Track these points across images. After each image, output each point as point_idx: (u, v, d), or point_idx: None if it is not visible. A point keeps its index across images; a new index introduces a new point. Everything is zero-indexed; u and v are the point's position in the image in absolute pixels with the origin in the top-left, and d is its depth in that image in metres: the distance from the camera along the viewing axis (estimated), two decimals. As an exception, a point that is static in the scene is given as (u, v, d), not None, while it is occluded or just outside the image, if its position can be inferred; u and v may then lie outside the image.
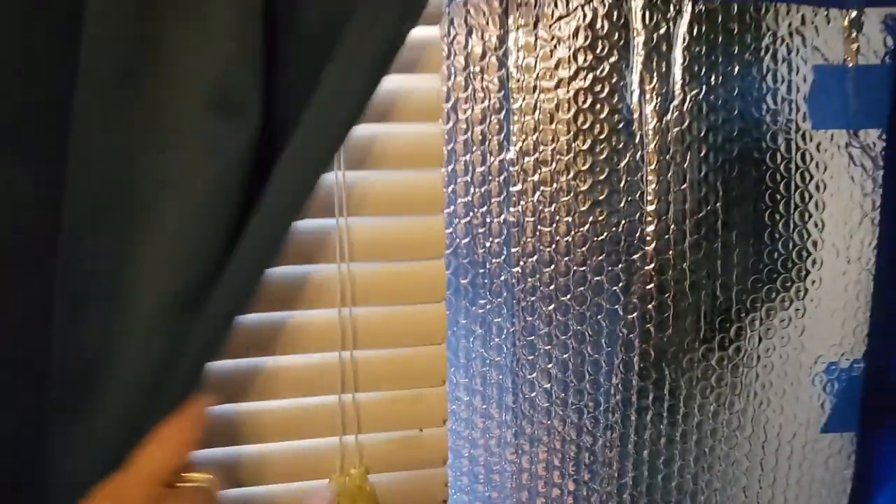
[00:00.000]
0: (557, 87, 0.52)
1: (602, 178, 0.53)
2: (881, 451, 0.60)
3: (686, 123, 0.54)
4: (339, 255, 0.46)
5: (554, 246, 0.53)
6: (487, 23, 0.51)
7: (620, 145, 0.53)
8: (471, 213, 0.52)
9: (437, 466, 0.51)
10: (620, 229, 0.54)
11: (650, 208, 0.54)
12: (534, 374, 0.55)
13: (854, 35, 0.55)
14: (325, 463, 0.49)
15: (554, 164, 0.53)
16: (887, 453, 0.59)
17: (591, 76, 0.52)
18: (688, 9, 0.53)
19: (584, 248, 0.54)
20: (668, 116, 0.53)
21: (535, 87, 0.52)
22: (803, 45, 0.55)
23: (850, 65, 0.55)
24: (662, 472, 0.58)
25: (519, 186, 0.53)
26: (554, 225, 0.53)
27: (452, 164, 0.52)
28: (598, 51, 0.52)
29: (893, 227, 0.57)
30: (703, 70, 0.54)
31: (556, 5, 0.52)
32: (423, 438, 0.51)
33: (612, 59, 0.52)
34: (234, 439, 0.48)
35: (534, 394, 0.55)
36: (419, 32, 0.45)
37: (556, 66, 0.52)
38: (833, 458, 0.60)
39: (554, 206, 0.53)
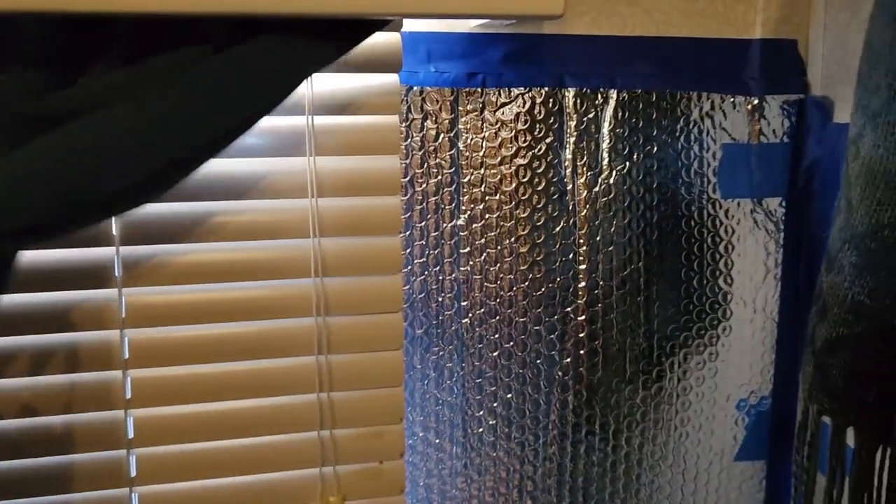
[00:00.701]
0: (501, 163, 0.61)
1: (540, 241, 0.61)
2: (788, 477, 0.68)
3: (612, 194, 0.62)
4: (314, 309, 0.54)
5: (498, 300, 0.62)
6: (440, 108, 0.59)
7: (556, 213, 0.62)
8: (425, 272, 0.60)
9: (396, 495, 0.58)
10: (556, 285, 0.62)
11: (582, 267, 0.62)
12: (481, 412, 0.63)
13: (757, 118, 0.64)
14: (304, 492, 0.57)
15: (498, 230, 0.61)
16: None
17: (530, 154, 0.61)
18: (613, 96, 0.62)
19: (524, 302, 0.62)
20: (597, 188, 0.62)
21: (481, 164, 0.60)
22: (713, 126, 0.64)
23: (754, 143, 0.64)
24: (595, 498, 0.66)
25: (468, 249, 0.61)
26: (498, 282, 0.61)
27: (410, 229, 0.60)
28: (536, 132, 0.61)
29: (793, 282, 0.66)
30: (627, 149, 0.62)
31: (499, 94, 0.60)
32: (383, 470, 0.58)
33: (549, 140, 0.61)
34: (214, 472, 0.55)
35: (481, 429, 0.63)
36: (379, 119, 0.54)
37: (500, 146, 0.60)
38: (746, 484, 0.68)
39: (498, 265, 0.61)
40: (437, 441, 0.63)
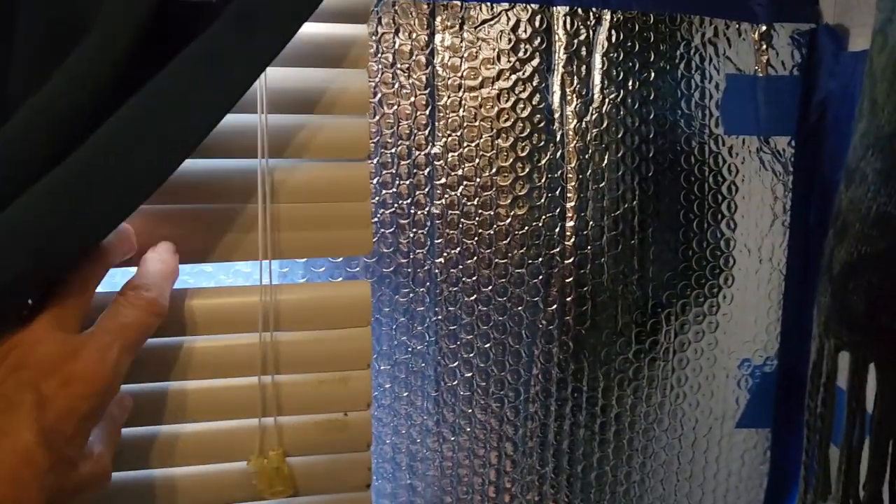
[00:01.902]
0: (482, 86, 0.55)
1: (523, 174, 0.55)
2: (796, 447, 0.62)
3: (605, 124, 0.56)
4: (261, 246, 0.48)
5: (476, 238, 0.55)
6: (414, 23, 0.54)
7: (541, 143, 0.56)
8: (396, 204, 0.54)
9: (362, 450, 0.52)
10: (541, 224, 0.56)
11: (570, 205, 0.56)
12: (455, 363, 0.56)
13: (764, 48, 0.58)
14: (243, 445, 0.50)
15: (477, 160, 0.55)
16: (801, 450, 0.61)
17: (514, 77, 0.55)
18: (607, 17, 0.56)
19: (505, 241, 0.56)
20: (588, 118, 0.56)
21: (460, 86, 0.54)
22: (716, 55, 0.58)
23: (761, 75, 0.58)
24: (582, 463, 0.59)
25: (443, 180, 0.55)
26: (477, 218, 0.55)
27: (378, 156, 0.54)
28: (521, 54, 0.55)
29: (804, 230, 0.60)
30: (622, 75, 0.56)
31: (481, 9, 0.54)
32: (348, 422, 0.51)
33: (535, 62, 0.55)
34: (152, 419, 0.49)
35: (455, 382, 0.57)
36: (346, 29, 0.47)
37: (481, 67, 0.55)
38: (749, 453, 0.62)
39: (477, 199, 0.55)
40: (406, 394, 0.56)
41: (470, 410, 0.57)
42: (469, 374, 0.57)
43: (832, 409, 0.44)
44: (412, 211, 0.55)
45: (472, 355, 0.56)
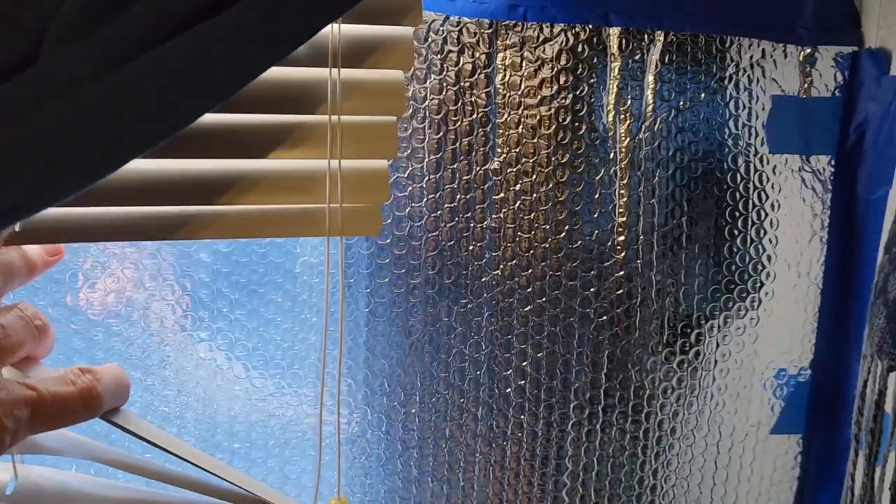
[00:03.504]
0: (540, 104, 0.56)
1: (578, 189, 0.57)
2: (824, 453, 0.65)
3: (656, 143, 0.58)
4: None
5: (532, 251, 0.57)
6: (478, 41, 0.55)
7: (596, 160, 0.57)
8: (456, 219, 0.56)
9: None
10: (593, 238, 0.58)
11: (621, 220, 0.58)
12: (508, 372, 0.59)
13: (808, 70, 0.60)
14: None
15: (534, 176, 0.57)
16: (831, 455, 0.64)
17: (570, 96, 0.57)
18: (660, 38, 0.58)
19: (559, 255, 0.58)
20: (640, 135, 0.58)
21: (519, 104, 0.56)
22: (763, 76, 0.60)
23: (804, 96, 0.61)
24: (625, 468, 0.62)
25: (501, 195, 0.57)
26: (532, 232, 0.57)
27: (441, 171, 0.56)
28: (578, 72, 0.57)
29: (840, 246, 0.63)
30: (673, 95, 0.58)
31: (541, 29, 0.56)
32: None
33: (591, 81, 0.57)
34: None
35: (508, 390, 0.59)
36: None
37: (540, 85, 0.56)
38: (780, 459, 0.65)
39: (533, 214, 0.57)
40: (462, 401, 0.58)
41: (522, 417, 0.59)
42: (522, 382, 0.59)
43: (881, 425, 0.46)
44: (471, 225, 0.56)
45: (525, 364, 0.59)
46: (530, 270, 0.58)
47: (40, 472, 0.40)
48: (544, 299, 0.58)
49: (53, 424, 0.36)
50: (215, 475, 0.43)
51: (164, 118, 0.32)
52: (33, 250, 0.40)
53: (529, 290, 0.58)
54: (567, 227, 0.58)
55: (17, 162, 0.30)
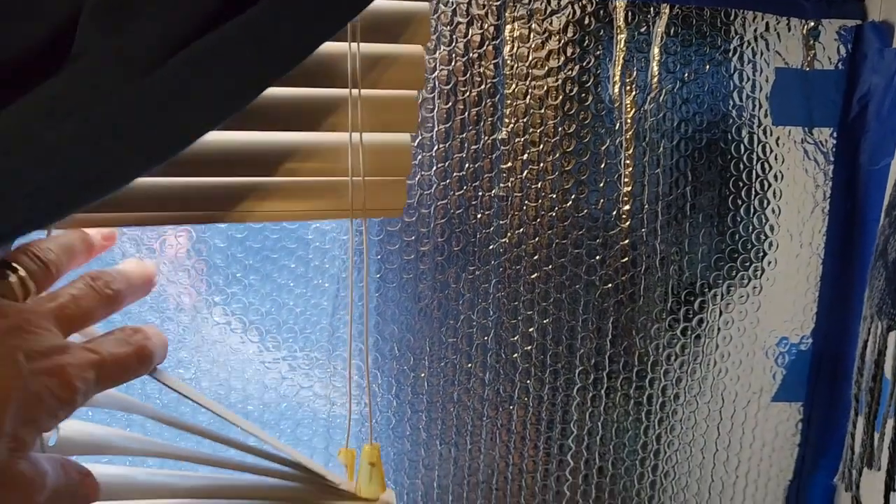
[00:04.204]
0: (547, 75, 0.58)
1: (584, 159, 0.59)
2: (826, 421, 0.66)
3: (661, 114, 0.59)
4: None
5: (539, 220, 0.59)
6: (486, 13, 0.56)
7: (602, 130, 0.59)
8: (464, 187, 0.57)
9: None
10: (599, 207, 0.59)
11: (626, 189, 0.59)
12: (515, 337, 0.60)
13: (811, 43, 0.61)
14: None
15: (541, 145, 0.58)
16: (831, 422, 0.65)
17: (577, 67, 0.58)
18: (666, 11, 0.59)
19: (565, 223, 0.59)
20: (645, 107, 0.59)
21: (526, 75, 0.57)
22: (766, 49, 0.61)
23: (808, 69, 0.61)
24: (629, 433, 0.63)
25: (509, 164, 0.58)
26: (539, 200, 0.58)
27: (449, 139, 0.57)
28: (585, 44, 0.58)
29: (842, 217, 0.64)
30: (678, 67, 0.59)
31: (548, 2, 0.57)
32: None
33: (598, 53, 0.58)
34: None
35: (515, 355, 0.60)
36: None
37: (547, 57, 0.57)
38: (782, 425, 0.66)
39: (540, 183, 0.58)
40: (469, 365, 0.60)
41: (528, 382, 0.61)
42: (528, 348, 0.60)
43: (881, 384, 0.47)
44: (479, 193, 0.58)
45: (531, 330, 0.60)
46: (537, 238, 0.59)
47: (81, 426, 0.42)
48: (550, 267, 0.59)
49: (114, 383, 0.38)
50: (249, 432, 0.45)
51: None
52: (92, 232, 0.42)
53: (536, 257, 0.59)
54: (573, 196, 0.59)
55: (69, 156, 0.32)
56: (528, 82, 0.57)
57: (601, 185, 0.59)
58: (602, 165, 0.59)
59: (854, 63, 0.62)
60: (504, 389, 0.61)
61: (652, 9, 0.58)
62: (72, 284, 0.38)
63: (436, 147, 0.57)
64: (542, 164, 0.58)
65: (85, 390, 0.34)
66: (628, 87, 0.59)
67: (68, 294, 0.37)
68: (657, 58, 0.59)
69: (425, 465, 0.61)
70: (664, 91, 0.59)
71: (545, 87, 0.58)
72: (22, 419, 0.31)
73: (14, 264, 0.35)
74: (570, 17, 0.57)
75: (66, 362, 0.33)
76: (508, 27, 0.57)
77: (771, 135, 0.61)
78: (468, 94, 0.57)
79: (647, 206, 0.60)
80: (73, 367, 0.34)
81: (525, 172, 0.58)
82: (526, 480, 0.63)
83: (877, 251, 0.49)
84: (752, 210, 0.62)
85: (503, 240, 0.58)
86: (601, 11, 0.58)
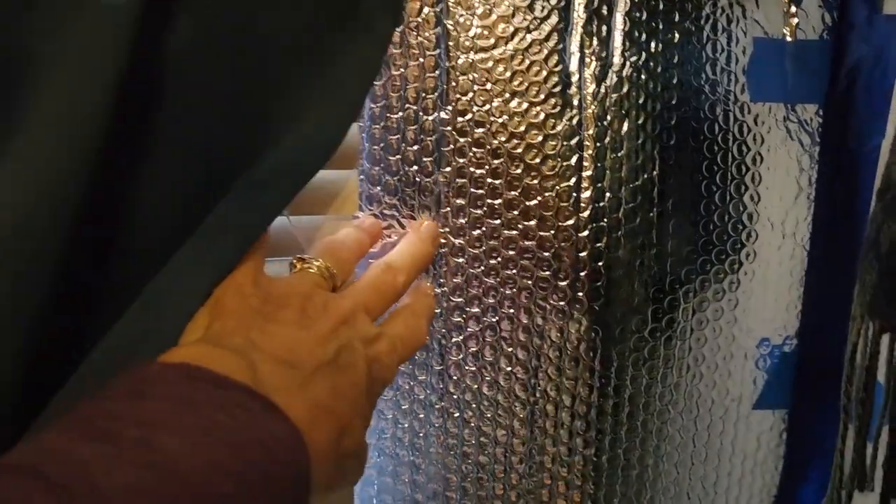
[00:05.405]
0: (495, 46, 0.51)
1: (537, 141, 0.52)
2: (813, 429, 0.59)
3: (625, 89, 0.53)
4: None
5: (484, 208, 0.53)
6: (424, -23, 0.50)
7: (557, 109, 0.52)
8: (401, 171, 0.51)
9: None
10: (555, 194, 0.53)
11: (587, 174, 0.53)
12: (461, 337, 0.54)
13: (793, 10, 0.55)
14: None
15: (488, 126, 0.52)
16: (819, 431, 0.59)
17: (529, 38, 0.52)
18: (629, -26, 0.52)
19: (515, 212, 0.53)
20: (607, 82, 0.53)
21: (472, 46, 0.51)
22: (743, 16, 0.54)
23: (790, 39, 0.55)
24: (594, 445, 0.57)
25: (451, 146, 0.52)
26: (484, 188, 0.52)
27: (384, 120, 0.51)
28: (537, 12, 0.52)
29: (829, 205, 0.58)
30: (644, 36, 0.53)
31: (495, -37, 0.51)
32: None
33: (552, 21, 0.52)
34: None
35: (461, 357, 0.54)
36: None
37: (494, 26, 0.51)
38: (765, 435, 0.60)
39: (486, 167, 0.52)
40: (410, 368, 0.54)
41: (476, 386, 0.55)
42: (475, 349, 0.54)
43: (873, 394, 0.41)
44: (418, 178, 0.52)
45: (478, 329, 0.54)
46: (481, 228, 0.53)
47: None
48: (499, 260, 0.53)
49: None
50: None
51: None
52: (367, 223, 0.48)
53: (482, 249, 0.53)
54: (525, 182, 0.53)
55: None
56: (473, 55, 0.51)
57: (557, 169, 0.53)
58: (558, 148, 0.53)
59: (841, 32, 0.56)
60: (447, 395, 0.55)
61: (613, -29, 0.52)
62: (368, 275, 0.43)
63: (369, 128, 0.51)
64: (487, 147, 0.52)
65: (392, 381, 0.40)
66: (588, 60, 0.52)
67: (368, 284, 0.41)
68: (620, 26, 0.53)
69: (365, 481, 0.55)
70: (628, 64, 0.53)
71: (492, 61, 0.51)
72: (372, 404, 0.38)
73: (314, 259, 0.40)
74: (521, -19, 0.51)
75: (384, 350, 0.38)
76: (450, -8, 0.50)
77: (749, 112, 0.55)
78: (406, 68, 0.51)
79: (609, 194, 0.54)
80: (387, 356, 0.39)
81: (469, 156, 0.52)
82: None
83: (868, 241, 0.43)
84: (728, 197, 0.56)
85: (444, 229, 0.52)
86: (556, -25, 0.51)
